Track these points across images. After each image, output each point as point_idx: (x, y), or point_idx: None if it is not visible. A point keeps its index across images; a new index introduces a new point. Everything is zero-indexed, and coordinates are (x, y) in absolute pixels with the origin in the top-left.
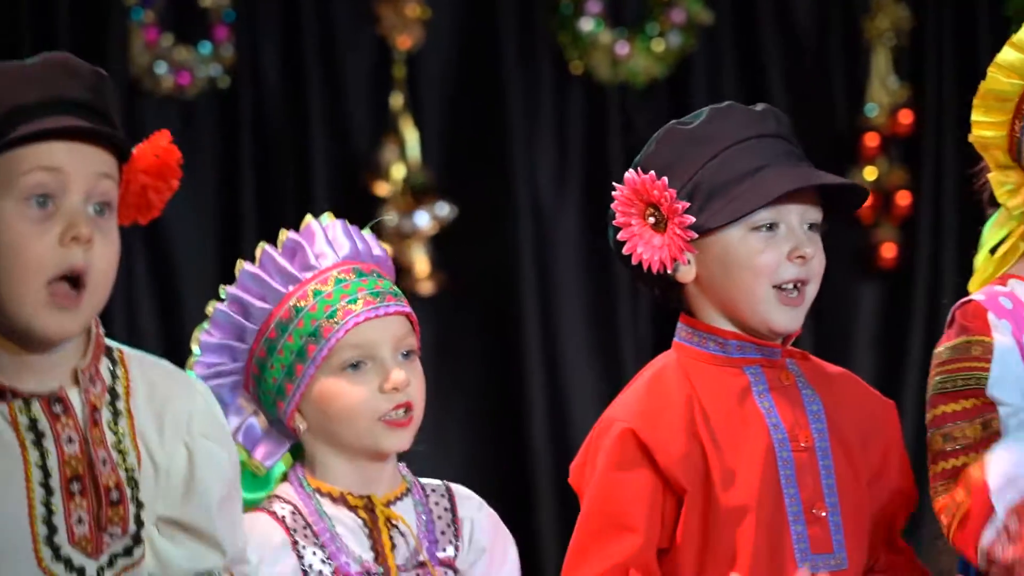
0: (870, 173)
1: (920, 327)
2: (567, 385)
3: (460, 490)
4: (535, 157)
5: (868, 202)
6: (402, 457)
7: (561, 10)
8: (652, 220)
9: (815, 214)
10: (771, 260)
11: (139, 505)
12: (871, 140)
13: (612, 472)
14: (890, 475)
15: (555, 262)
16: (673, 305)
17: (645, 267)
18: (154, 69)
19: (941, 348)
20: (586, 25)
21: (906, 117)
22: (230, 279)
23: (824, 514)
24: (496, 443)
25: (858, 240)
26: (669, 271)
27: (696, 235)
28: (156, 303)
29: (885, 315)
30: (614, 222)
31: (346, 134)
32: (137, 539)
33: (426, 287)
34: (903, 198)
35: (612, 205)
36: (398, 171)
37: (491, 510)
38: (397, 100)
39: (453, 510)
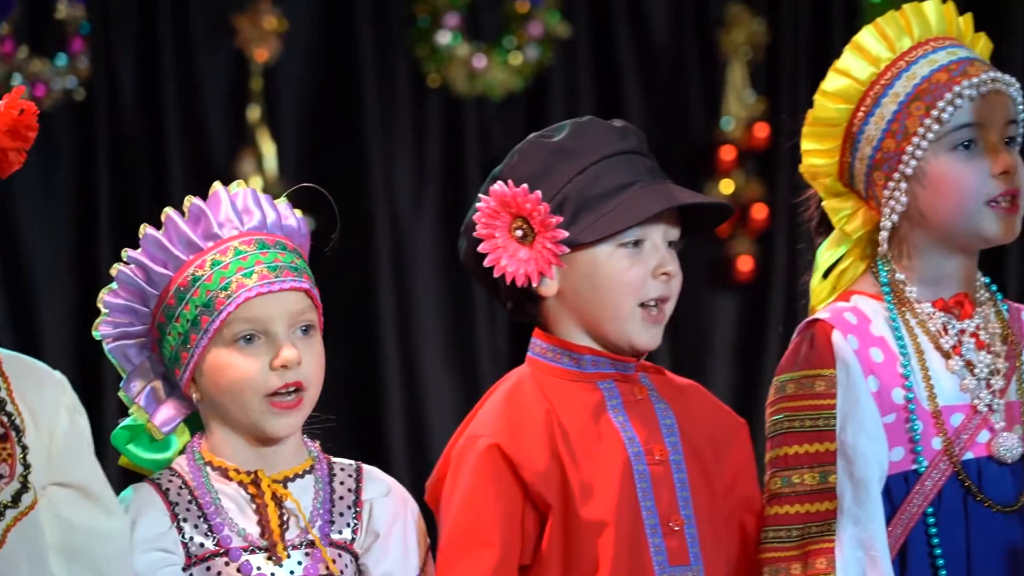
0: (726, 186)
1: (776, 340)
2: (424, 396)
3: (371, 472)
4: (392, 170)
5: None
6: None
7: (418, 23)
8: (519, 233)
9: (675, 232)
10: (638, 277)
11: (24, 449)
12: (727, 153)
13: (479, 489)
14: (742, 488)
15: (413, 274)
16: (526, 319)
17: (508, 280)
18: (9, 82)
19: (785, 377)
20: (443, 38)
21: (762, 131)
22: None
23: (680, 527)
24: (353, 453)
25: (715, 253)
26: (533, 285)
27: (567, 250)
28: (10, 314)
29: (742, 328)
30: (475, 233)
31: (203, 147)
32: (25, 484)
33: None
34: (759, 211)
35: (473, 216)
36: (255, 184)
37: (402, 496)
38: (254, 112)
39: (358, 492)
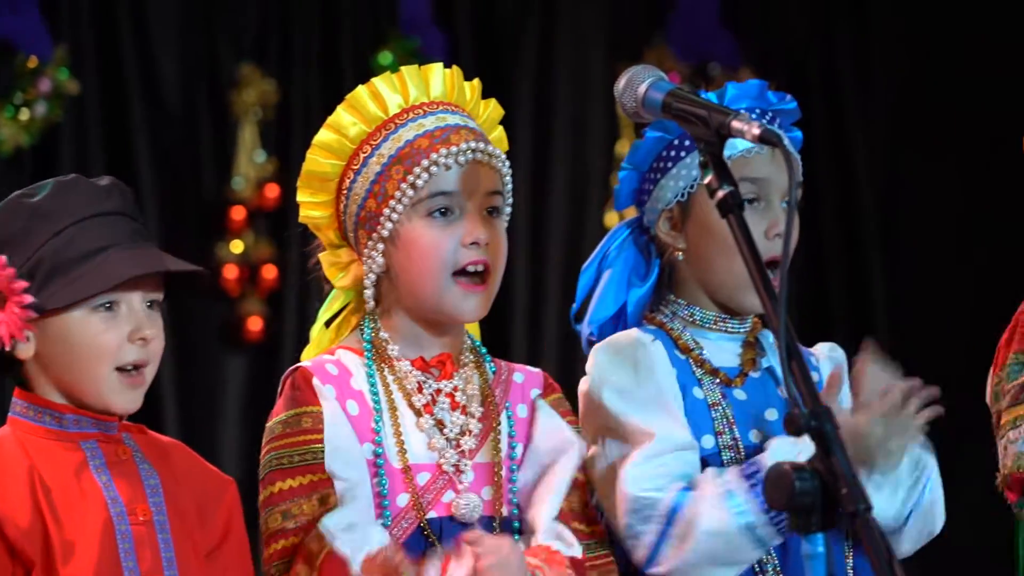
0: (236, 247)
1: None
2: None
3: None
4: None
5: (234, 275)
6: None
7: None
8: None
9: (156, 293)
10: (112, 341)
11: None
12: (238, 213)
13: None
14: (229, 550)
15: None
16: (14, 379)
17: None
18: None
19: (272, 422)
20: None
21: (272, 191)
22: None
23: None
24: None
25: (225, 313)
26: (7, 348)
27: (35, 315)
28: None
29: (251, 388)
30: None
31: None
32: None
33: None
34: (269, 272)
35: None
36: None
37: None
38: None
39: None
